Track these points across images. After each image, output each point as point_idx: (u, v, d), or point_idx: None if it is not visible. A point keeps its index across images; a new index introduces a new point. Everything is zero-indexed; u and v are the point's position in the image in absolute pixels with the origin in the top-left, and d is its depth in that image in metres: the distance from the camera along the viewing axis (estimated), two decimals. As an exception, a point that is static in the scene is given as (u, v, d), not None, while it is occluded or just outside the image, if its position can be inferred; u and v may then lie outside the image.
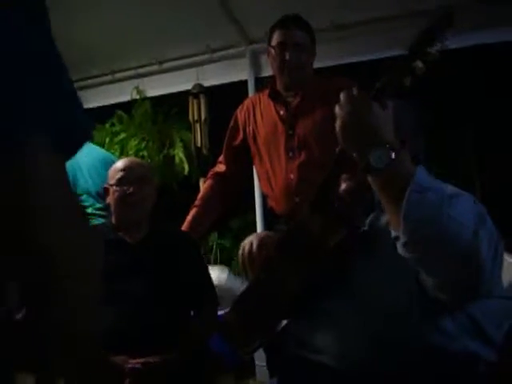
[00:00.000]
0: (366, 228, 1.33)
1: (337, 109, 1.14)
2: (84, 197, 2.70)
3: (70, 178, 0.77)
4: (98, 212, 2.72)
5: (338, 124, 1.14)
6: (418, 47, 1.12)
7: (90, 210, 2.69)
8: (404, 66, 1.13)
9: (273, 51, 2.22)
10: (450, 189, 1.09)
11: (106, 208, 2.74)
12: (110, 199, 2.03)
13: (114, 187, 1.99)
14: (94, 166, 2.75)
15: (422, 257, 1.06)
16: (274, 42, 2.21)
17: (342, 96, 1.14)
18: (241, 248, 1.52)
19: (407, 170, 1.07)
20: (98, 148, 3.09)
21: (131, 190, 1.97)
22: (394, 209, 1.08)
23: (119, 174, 2.00)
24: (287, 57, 2.17)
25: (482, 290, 1.09)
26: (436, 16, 1.11)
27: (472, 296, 1.12)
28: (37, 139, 0.59)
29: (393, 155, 1.07)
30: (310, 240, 1.34)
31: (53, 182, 0.60)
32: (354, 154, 1.13)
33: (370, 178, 1.11)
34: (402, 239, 1.06)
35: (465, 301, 1.13)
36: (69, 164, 0.63)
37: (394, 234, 1.09)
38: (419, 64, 1.11)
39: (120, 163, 2.07)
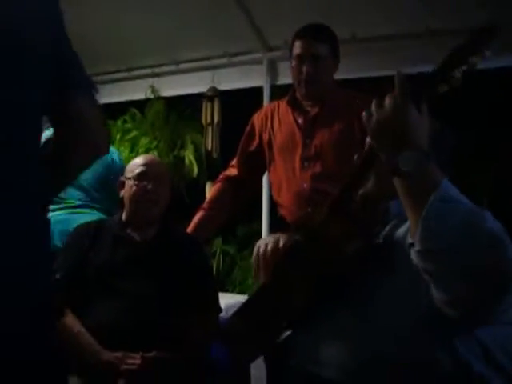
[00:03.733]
0: (380, 241, 1.30)
1: (373, 107, 1.12)
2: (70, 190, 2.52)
3: None
4: (86, 203, 2.57)
5: (372, 122, 1.12)
6: (459, 54, 1.09)
7: (77, 203, 2.54)
8: (442, 72, 1.10)
9: (292, 62, 2.23)
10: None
11: (97, 200, 2.64)
12: (124, 193, 1.99)
13: (132, 181, 1.96)
14: None
15: (433, 268, 1.03)
16: (293, 53, 2.22)
17: (386, 97, 1.11)
18: (255, 248, 1.50)
19: (435, 177, 1.05)
20: None
21: (150, 186, 1.94)
22: (415, 215, 1.05)
23: (139, 169, 1.97)
24: (304, 70, 2.17)
25: (499, 309, 1.05)
26: (479, 27, 1.09)
27: (486, 315, 1.08)
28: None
29: (423, 160, 1.05)
30: (325, 246, 1.32)
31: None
32: (383, 155, 1.11)
33: (396, 181, 1.08)
34: (417, 247, 1.03)
35: (476, 320, 1.09)
36: None
37: (410, 240, 1.06)
38: (457, 73, 1.09)
39: (140, 158, 2.04)
